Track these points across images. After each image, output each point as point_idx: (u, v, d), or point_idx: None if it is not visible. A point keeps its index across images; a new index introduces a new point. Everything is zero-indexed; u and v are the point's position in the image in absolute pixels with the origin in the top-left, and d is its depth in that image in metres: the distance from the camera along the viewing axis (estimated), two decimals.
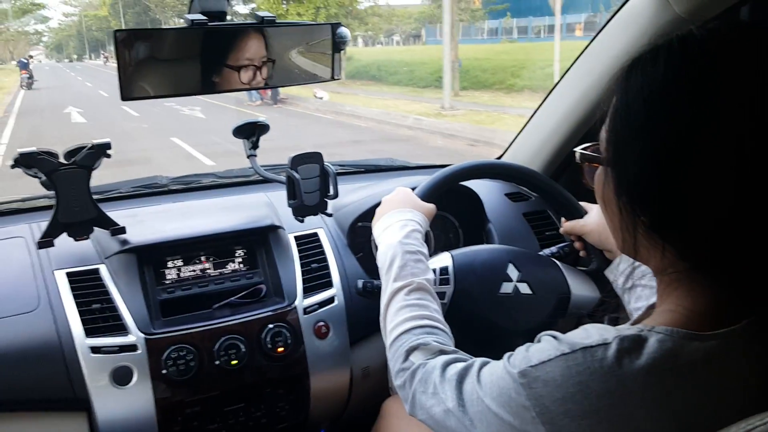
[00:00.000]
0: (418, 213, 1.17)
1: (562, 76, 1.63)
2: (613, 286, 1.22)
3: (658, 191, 0.64)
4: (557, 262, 1.35)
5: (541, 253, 1.40)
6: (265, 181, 1.60)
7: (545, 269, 1.32)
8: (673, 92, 0.62)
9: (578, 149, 0.81)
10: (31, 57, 25.72)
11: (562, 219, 1.37)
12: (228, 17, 1.11)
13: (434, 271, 1.23)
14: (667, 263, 0.68)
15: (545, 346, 0.69)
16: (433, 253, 1.65)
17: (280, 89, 14.59)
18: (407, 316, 0.96)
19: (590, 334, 0.67)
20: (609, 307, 1.35)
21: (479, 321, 1.26)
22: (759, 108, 0.59)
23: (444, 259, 1.26)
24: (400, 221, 1.13)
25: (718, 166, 0.60)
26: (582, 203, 1.35)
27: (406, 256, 1.05)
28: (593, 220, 1.27)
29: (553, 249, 1.40)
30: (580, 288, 1.31)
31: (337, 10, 19.38)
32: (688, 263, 0.66)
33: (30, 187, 1.41)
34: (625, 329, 0.66)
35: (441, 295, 1.22)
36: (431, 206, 1.23)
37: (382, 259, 1.08)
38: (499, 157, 1.94)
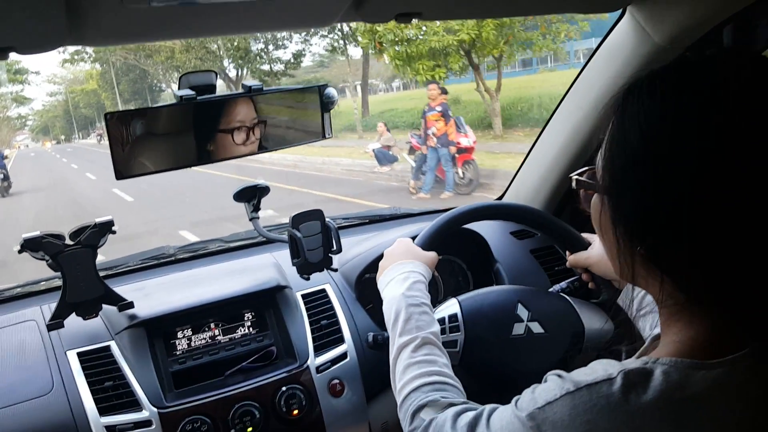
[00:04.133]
0: (420, 263, 1.17)
1: (553, 113, 1.65)
2: (627, 314, 1.19)
3: (655, 223, 0.62)
4: (567, 297, 1.33)
5: (551, 289, 1.39)
6: (270, 241, 1.61)
7: (556, 306, 1.30)
8: (670, 121, 0.61)
9: (574, 175, 0.79)
10: None
11: (567, 252, 1.36)
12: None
13: (443, 319, 1.22)
14: (666, 294, 0.67)
15: (550, 386, 0.68)
16: (443, 298, 1.65)
17: (478, 166, 8.77)
18: (415, 373, 0.95)
19: (595, 370, 0.66)
20: (626, 337, 1.33)
21: (494, 366, 1.24)
22: (758, 136, 0.58)
23: (451, 306, 1.25)
24: (402, 274, 1.13)
25: (717, 197, 0.58)
26: (584, 234, 1.34)
27: (410, 309, 1.05)
28: (597, 251, 1.26)
29: (563, 284, 1.39)
30: (593, 322, 1.29)
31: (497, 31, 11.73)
32: (686, 295, 0.65)
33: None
34: (630, 363, 0.65)
35: (453, 344, 1.21)
36: (432, 255, 1.23)
37: (387, 313, 1.08)
38: (499, 198, 1.94)
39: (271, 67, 24.40)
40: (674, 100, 0.61)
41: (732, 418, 0.62)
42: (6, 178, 15.60)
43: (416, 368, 0.96)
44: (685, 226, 0.60)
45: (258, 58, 24.20)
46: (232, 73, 24.91)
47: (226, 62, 24.77)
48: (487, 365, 1.23)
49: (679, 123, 0.60)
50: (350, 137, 19.68)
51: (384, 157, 10.88)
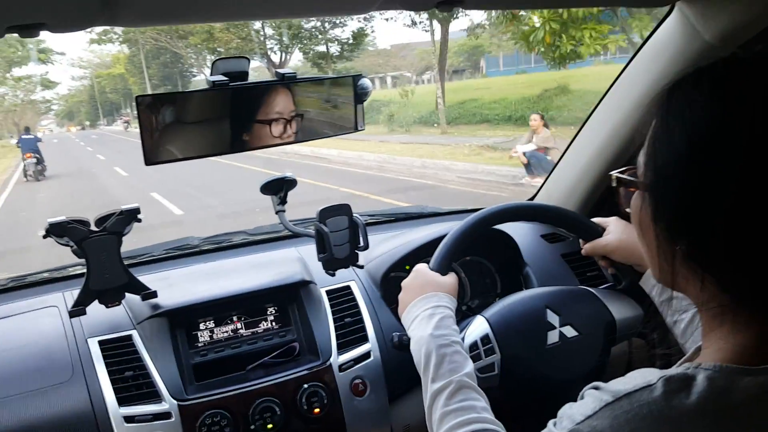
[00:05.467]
0: (443, 294, 1.13)
1: (592, 111, 1.60)
2: (651, 298, 1.19)
3: (697, 219, 0.61)
4: (591, 290, 1.30)
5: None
6: (296, 235, 1.58)
7: (583, 303, 1.27)
8: (716, 117, 0.60)
9: (615, 173, 0.78)
10: (27, 129, 17.12)
11: (581, 241, 1.33)
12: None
13: (476, 343, 1.18)
14: (708, 296, 0.64)
15: (587, 401, 0.65)
16: (469, 300, 1.61)
17: None
18: (452, 423, 0.93)
19: (633, 378, 0.64)
20: (661, 342, 1.31)
21: (536, 381, 1.20)
22: None
23: (481, 326, 1.21)
24: (426, 310, 1.10)
25: (760, 195, 0.57)
26: (596, 219, 1.31)
27: (441, 350, 1.02)
28: (614, 236, 1.25)
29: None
30: (622, 311, 1.27)
31: None
32: (730, 296, 0.62)
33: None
34: (671, 370, 0.63)
35: (490, 367, 1.17)
36: (452, 280, 1.19)
37: (416, 356, 1.05)
38: (531, 199, 1.89)
39: (327, 48, 20.19)
40: (722, 98, 0.60)
41: None
42: (40, 161, 15.06)
43: (453, 417, 0.93)
44: (729, 222, 0.59)
45: (312, 37, 20.26)
46: (275, 57, 21.46)
47: (271, 43, 21.37)
48: (528, 382, 1.20)
49: (726, 121, 0.59)
50: (426, 132, 16.65)
51: (539, 162, 7.94)
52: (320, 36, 20.05)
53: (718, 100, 0.60)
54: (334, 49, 20.37)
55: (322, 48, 20.42)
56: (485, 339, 1.18)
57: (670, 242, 0.65)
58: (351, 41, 20.10)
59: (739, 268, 0.60)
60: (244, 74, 1.08)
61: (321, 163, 13.21)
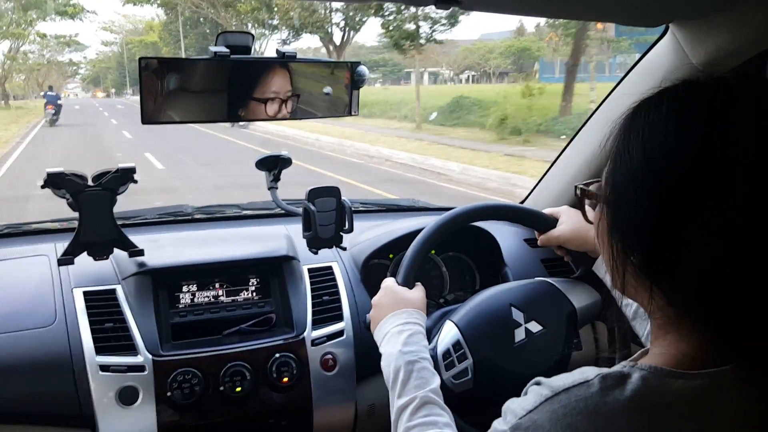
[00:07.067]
0: (412, 311, 1.15)
1: (584, 124, 1.64)
2: (604, 282, 1.25)
3: (649, 234, 0.64)
4: (549, 280, 1.34)
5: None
6: (287, 214, 1.63)
7: (545, 296, 1.31)
8: (671, 137, 0.62)
9: (579, 184, 0.82)
10: (51, 88, 21.79)
11: (536, 233, 1.37)
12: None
13: (449, 351, 1.19)
14: (656, 306, 0.68)
15: (529, 396, 0.69)
16: (447, 293, 1.65)
17: None
18: None
19: (572, 375, 0.67)
20: (618, 341, 1.36)
21: (507, 380, 1.21)
22: (755, 161, 0.59)
23: (451, 332, 1.21)
24: (396, 326, 1.12)
25: (711, 215, 0.60)
26: (547, 210, 1.36)
27: (408, 366, 1.04)
28: (567, 226, 1.29)
29: None
30: (581, 298, 1.31)
31: None
32: (676, 308, 0.66)
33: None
34: (608, 368, 0.66)
35: (464, 372, 1.18)
36: (420, 294, 1.21)
37: (385, 372, 1.08)
38: (521, 203, 1.94)
39: (417, 26, 16.67)
40: (677, 119, 0.63)
41: (707, 430, 0.63)
42: (57, 113, 19.57)
43: None
44: (677, 240, 0.62)
45: (398, 11, 16.69)
46: (337, 37, 19.19)
47: (338, 17, 18.97)
48: (500, 382, 1.21)
49: (680, 141, 0.62)
50: (552, 144, 12.31)
51: None
52: (408, 12, 16.44)
53: (673, 121, 0.63)
54: (425, 28, 17.06)
55: (409, 25, 16.89)
56: (457, 345, 1.20)
57: (623, 254, 0.68)
58: (444, 20, 16.68)
59: (684, 284, 0.63)
60: (247, 49, 1.12)
61: (440, 181, 9.76)
